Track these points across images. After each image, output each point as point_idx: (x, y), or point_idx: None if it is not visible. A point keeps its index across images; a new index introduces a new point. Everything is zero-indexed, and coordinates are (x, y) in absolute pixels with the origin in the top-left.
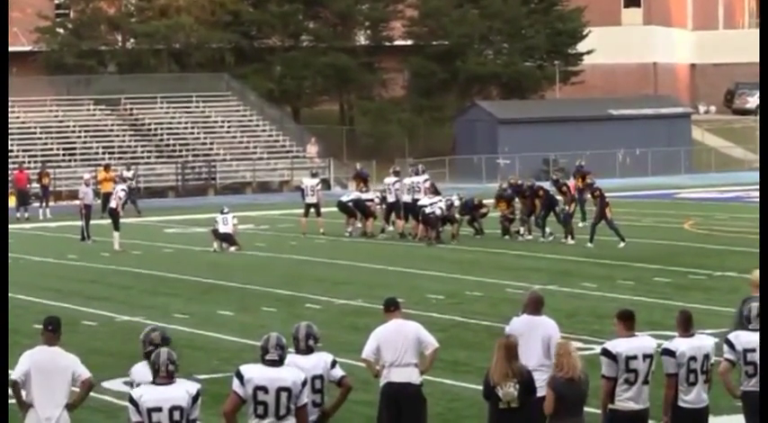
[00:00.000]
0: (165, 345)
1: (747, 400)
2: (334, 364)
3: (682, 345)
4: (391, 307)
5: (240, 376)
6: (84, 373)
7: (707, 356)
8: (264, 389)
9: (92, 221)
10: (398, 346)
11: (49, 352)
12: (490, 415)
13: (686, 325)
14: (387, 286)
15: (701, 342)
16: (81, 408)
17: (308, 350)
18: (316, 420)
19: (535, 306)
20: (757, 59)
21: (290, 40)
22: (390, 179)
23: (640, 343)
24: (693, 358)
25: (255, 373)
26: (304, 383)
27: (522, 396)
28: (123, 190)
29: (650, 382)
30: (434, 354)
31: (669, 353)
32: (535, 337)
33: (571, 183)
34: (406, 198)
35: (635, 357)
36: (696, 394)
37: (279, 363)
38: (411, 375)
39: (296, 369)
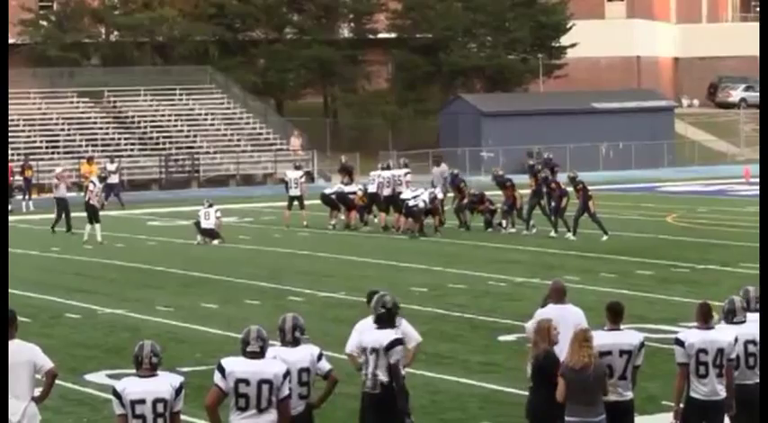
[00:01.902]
0: (396, 310)
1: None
2: (320, 356)
3: (692, 336)
4: None
5: (222, 369)
6: (47, 364)
7: (721, 351)
8: (246, 381)
9: (73, 214)
10: None
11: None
12: None
13: (705, 317)
14: (370, 279)
15: (716, 336)
16: (64, 401)
17: (295, 342)
18: (302, 413)
19: (558, 295)
20: (740, 53)
21: (273, 32)
22: (377, 172)
23: (616, 339)
24: (704, 351)
25: (237, 365)
26: (285, 375)
27: (533, 376)
28: (93, 182)
29: (629, 377)
30: (417, 348)
31: (678, 343)
32: (566, 326)
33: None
34: (387, 191)
35: (609, 353)
36: (707, 387)
37: (260, 355)
38: None
39: (277, 361)
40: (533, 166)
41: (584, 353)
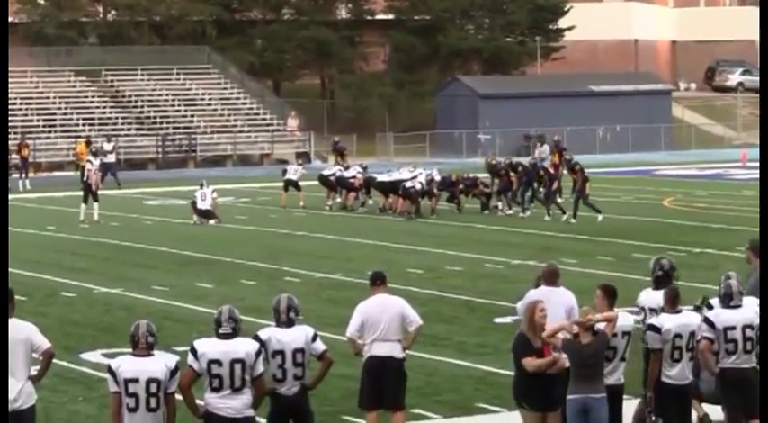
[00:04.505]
0: (673, 272)
1: (726, 377)
2: (315, 337)
3: (667, 321)
4: (377, 281)
5: (194, 351)
6: (44, 344)
7: (692, 334)
8: (218, 362)
9: (71, 193)
10: (382, 322)
11: None
12: None
13: (674, 301)
14: (366, 260)
15: (688, 319)
16: (60, 379)
17: (289, 323)
18: (297, 393)
19: (552, 277)
20: (738, 37)
21: (271, 13)
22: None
23: (619, 320)
24: (679, 335)
25: (208, 346)
26: (258, 353)
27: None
28: (89, 161)
29: (627, 359)
30: (418, 331)
31: (654, 329)
32: (557, 308)
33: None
34: (384, 178)
35: (614, 334)
36: (680, 371)
37: (232, 335)
38: (393, 350)
39: (249, 340)
40: (511, 163)
41: (587, 333)
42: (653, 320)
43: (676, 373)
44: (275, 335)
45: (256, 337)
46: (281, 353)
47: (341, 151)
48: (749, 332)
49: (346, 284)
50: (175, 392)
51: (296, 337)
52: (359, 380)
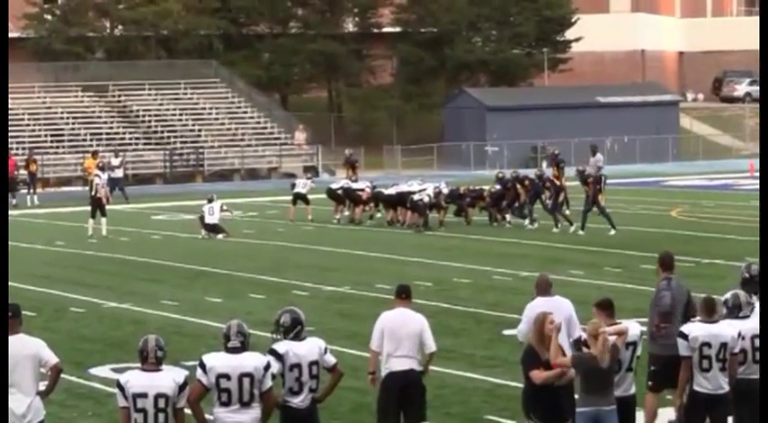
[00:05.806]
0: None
1: (736, 388)
2: (326, 350)
3: (696, 330)
4: (402, 294)
5: (203, 365)
6: (52, 359)
7: (724, 345)
8: (227, 376)
9: (79, 208)
10: (400, 338)
11: (11, 341)
12: None
13: (709, 311)
14: (374, 273)
15: (720, 330)
16: (69, 395)
17: (296, 336)
18: (308, 406)
19: (545, 288)
20: (745, 47)
21: (278, 26)
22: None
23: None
24: (707, 344)
25: (217, 361)
26: (266, 368)
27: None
28: (98, 175)
29: (634, 369)
30: (431, 357)
31: (682, 336)
32: (556, 317)
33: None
34: (390, 191)
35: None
36: (711, 381)
37: (241, 349)
38: (412, 364)
39: (258, 354)
40: (517, 176)
41: (603, 345)
42: (683, 328)
43: (707, 382)
44: (292, 348)
45: (273, 351)
46: (299, 366)
47: (353, 164)
48: (758, 342)
49: (354, 297)
50: (184, 407)
51: (310, 349)
52: (368, 393)
